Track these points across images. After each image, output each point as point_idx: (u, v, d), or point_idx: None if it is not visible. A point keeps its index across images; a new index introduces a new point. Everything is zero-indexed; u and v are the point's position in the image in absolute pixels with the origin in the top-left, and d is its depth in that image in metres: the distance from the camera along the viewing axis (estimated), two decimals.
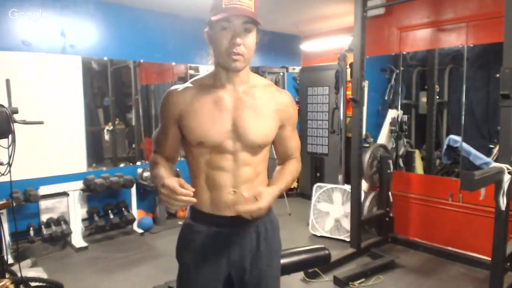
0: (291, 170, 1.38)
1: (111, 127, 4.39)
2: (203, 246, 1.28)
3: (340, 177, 4.36)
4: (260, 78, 1.35)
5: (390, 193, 3.69)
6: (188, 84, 1.30)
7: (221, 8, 1.13)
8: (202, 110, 1.23)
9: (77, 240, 3.69)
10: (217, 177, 1.25)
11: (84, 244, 3.67)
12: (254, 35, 1.19)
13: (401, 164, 4.03)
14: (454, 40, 3.44)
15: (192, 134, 1.23)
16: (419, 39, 3.67)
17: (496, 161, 2.76)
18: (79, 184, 3.78)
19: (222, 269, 1.28)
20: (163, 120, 1.31)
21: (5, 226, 3.16)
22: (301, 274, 2.98)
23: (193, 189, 1.08)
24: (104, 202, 4.07)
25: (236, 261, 1.28)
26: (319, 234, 3.92)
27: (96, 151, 4.30)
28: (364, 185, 3.69)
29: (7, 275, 2.51)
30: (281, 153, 1.42)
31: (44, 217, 3.69)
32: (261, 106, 1.26)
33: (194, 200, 1.07)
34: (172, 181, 1.06)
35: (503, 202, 2.20)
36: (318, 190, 4.02)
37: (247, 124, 1.23)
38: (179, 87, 1.29)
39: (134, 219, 4.04)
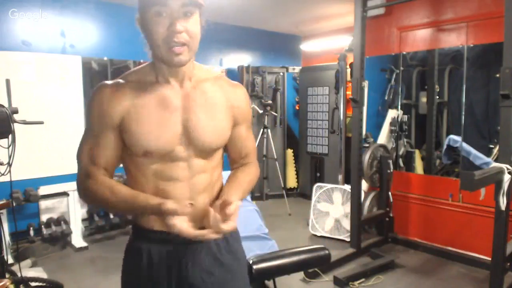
0: (250, 178, 1.18)
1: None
2: (157, 270, 1.06)
3: (340, 177, 4.36)
4: (207, 70, 1.16)
5: (390, 193, 3.69)
6: (121, 80, 1.05)
7: None
8: (146, 113, 1.01)
9: (77, 240, 3.69)
10: (170, 190, 1.04)
11: (84, 244, 3.67)
12: (198, 19, 0.99)
13: (401, 164, 4.03)
14: (454, 40, 3.43)
15: (137, 143, 1.01)
16: (419, 39, 3.67)
17: (496, 161, 2.77)
18: None
19: None
20: (97, 126, 1.03)
21: (5, 226, 3.16)
22: (301, 274, 2.98)
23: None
24: None
25: (197, 282, 1.08)
26: (319, 234, 3.91)
27: None
28: (364, 185, 3.68)
29: (7, 275, 2.51)
30: (235, 156, 1.22)
31: (44, 217, 3.68)
32: (213, 104, 1.08)
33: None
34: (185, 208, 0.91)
35: (503, 202, 2.20)
36: (318, 190, 4.02)
37: (200, 126, 1.04)
38: (113, 83, 1.05)
39: None
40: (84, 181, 1.03)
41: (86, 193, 1.04)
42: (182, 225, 0.91)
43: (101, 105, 1.02)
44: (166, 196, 1.02)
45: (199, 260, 1.09)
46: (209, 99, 1.08)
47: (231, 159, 1.24)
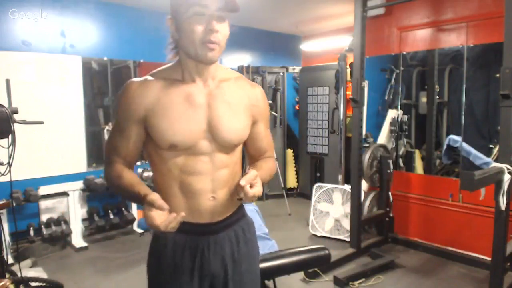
0: (269, 166, 1.27)
1: (111, 127, 4.39)
2: (181, 257, 1.14)
3: (340, 177, 4.36)
4: (229, 71, 1.23)
5: (390, 193, 3.69)
6: (149, 77, 1.12)
7: None
8: (172, 108, 1.08)
9: (77, 240, 3.69)
10: (194, 183, 1.11)
11: (84, 244, 3.67)
12: (228, 24, 1.08)
13: (401, 164, 4.03)
14: (454, 40, 3.43)
15: (163, 137, 1.08)
16: (419, 39, 3.67)
17: (496, 161, 2.77)
18: (79, 184, 3.78)
19: (204, 278, 1.16)
20: (122, 120, 1.11)
21: (5, 226, 3.16)
22: (301, 274, 2.98)
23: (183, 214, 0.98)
24: (104, 202, 4.06)
25: (218, 270, 1.16)
26: (319, 234, 3.91)
27: (96, 151, 4.29)
28: (364, 185, 3.68)
29: (7, 275, 2.51)
30: (254, 152, 1.30)
31: (44, 217, 3.68)
32: (234, 102, 1.15)
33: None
34: (162, 203, 0.96)
35: (503, 202, 2.20)
36: (318, 190, 4.02)
37: (223, 123, 1.11)
38: (141, 80, 1.12)
39: (134, 219, 4.04)
40: (106, 168, 1.16)
41: (106, 179, 1.16)
42: (155, 218, 0.96)
43: (127, 100, 1.10)
44: (189, 189, 1.11)
45: (220, 250, 1.16)
46: (231, 97, 1.15)
47: (250, 155, 1.31)
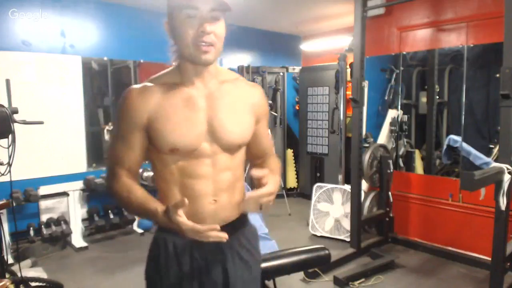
0: (278, 166, 1.28)
1: (111, 127, 4.39)
2: (181, 263, 1.13)
3: (340, 177, 4.36)
4: (228, 72, 1.23)
5: (390, 193, 3.69)
6: (148, 83, 1.12)
7: None
8: (173, 113, 1.08)
9: (77, 240, 3.69)
10: (195, 186, 1.10)
11: (84, 244, 3.67)
12: (223, 23, 1.06)
13: (401, 164, 4.03)
14: (454, 40, 3.43)
15: (164, 141, 1.07)
16: (419, 39, 3.67)
17: (496, 161, 2.77)
18: (79, 184, 3.78)
19: (205, 285, 1.14)
20: (124, 128, 1.10)
21: (5, 226, 3.16)
22: (301, 274, 2.98)
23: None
24: (104, 202, 4.06)
25: (218, 276, 1.14)
26: (319, 234, 3.91)
27: (96, 151, 4.29)
28: (364, 185, 3.69)
29: (7, 275, 2.51)
30: (257, 152, 1.29)
31: (44, 217, 3.68)
32: (235, 102, 1.15)
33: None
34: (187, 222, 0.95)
35: (503, 202, 2.20)
36: (318, 190, 4.02)
37: (224, 124, 1.11)
38: (141, 86, 1.11)
39: (134, 219, 4.04)
40: (108, 180, 1.13)
41: (110, 192, 1.12)
42: (186, 222, 0.95)
43: (128, 107, 1.09)
44: (190, 192, 1.09)
45: (221, 256, 1.14)
46: (231, 98, 1.14)
47: (253, 154, 1.29)
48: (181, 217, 0.95)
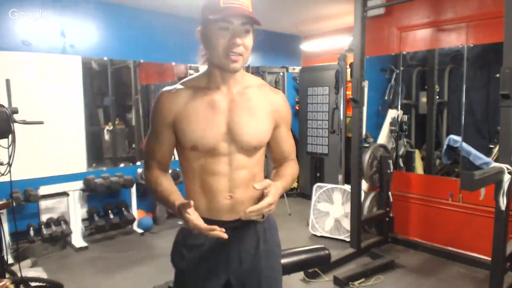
0: (291, 172, 1.34)
1: (111, 127, 4.40)
2: (201, 252, 1.25)
3: (340, 177, 4.36)
4: (253, 78, 1.33)
5: (390, 193, 3.69)
6: (179, 86, 1.25)
7: (219, 7, 1.09)
8: (196, 114, 1.19)
9: (77, 240, 3.69)
10: (213, 182, 1.21)
11: (84, 244, 3.68)
12: (252, 36, 1.17)
13: (401, 164, 4.03)
14: (454, 40, 3.44)
15: (186, 138, 1.19)
16: (419, 39, 3.67)
17: (496, 161, 2.77)
18: (79, 184, 3.78)
19: (220, 274, 1.25)
20: (156, 125, 1.24)
21: (5, 226, 3.16)
22: (301, 274, 2.98)
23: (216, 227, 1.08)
24: (104, 202, 4.07)
25: (236, 266, 1.25)
26: (319, 234, 3.92)
27: (96, 151, 4.30)
28: (364, 185, 3.69)
29: (7, 275, 2.51)
30: (277, 155, 1.37)
31: (44, 217, 3.69)
32: (256, 107, 1.24)
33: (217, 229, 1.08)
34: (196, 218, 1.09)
35: (503, 202, 2.20)
36: (318, 190, 4.02)
37: (242, 126, 1.20)
38: (171, 89, 1.24)
39: (134, 219, 4.04)
40: (145, 172, 1.30)
41: (146, 182, 1.30)
42: (191, 220, 1.09)
43: (160, 107, 1.22)
44: (209, 189, 1.22)
45: (237, 246, 1.25)
46: (253, 103, 1.24)
47: (273, 157, 1.39)
48: (189, 215, 1.08)
